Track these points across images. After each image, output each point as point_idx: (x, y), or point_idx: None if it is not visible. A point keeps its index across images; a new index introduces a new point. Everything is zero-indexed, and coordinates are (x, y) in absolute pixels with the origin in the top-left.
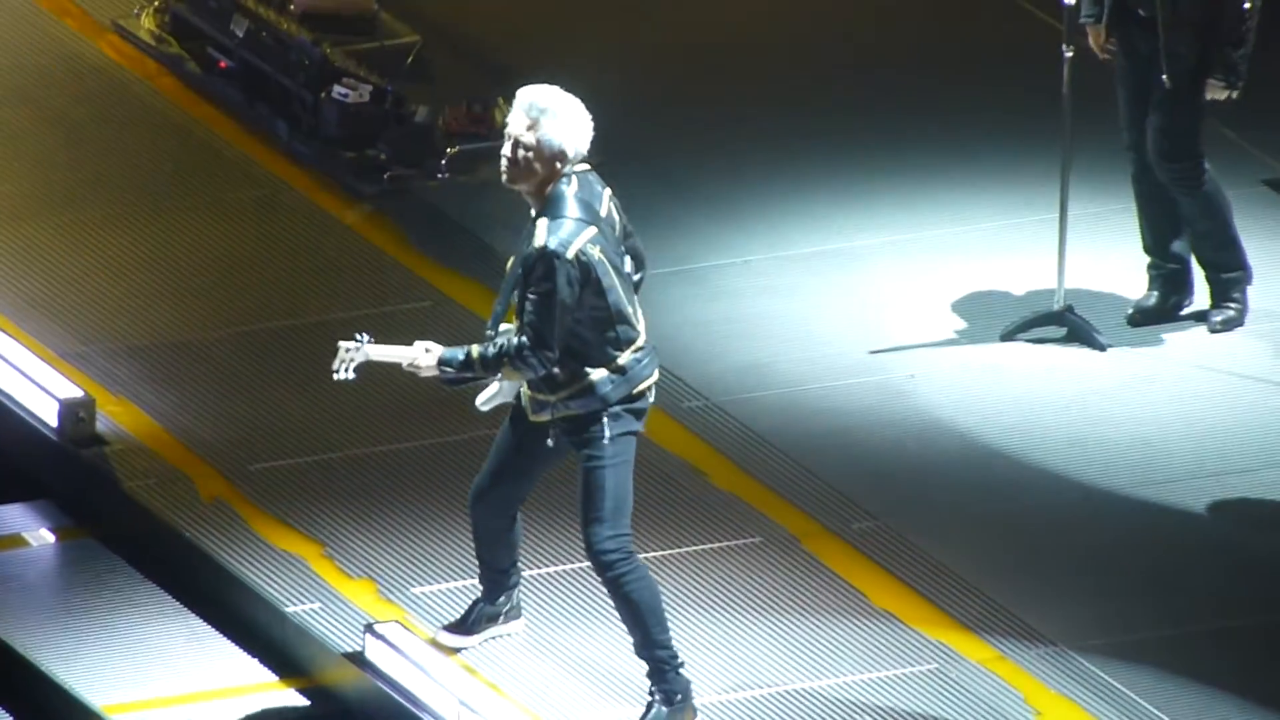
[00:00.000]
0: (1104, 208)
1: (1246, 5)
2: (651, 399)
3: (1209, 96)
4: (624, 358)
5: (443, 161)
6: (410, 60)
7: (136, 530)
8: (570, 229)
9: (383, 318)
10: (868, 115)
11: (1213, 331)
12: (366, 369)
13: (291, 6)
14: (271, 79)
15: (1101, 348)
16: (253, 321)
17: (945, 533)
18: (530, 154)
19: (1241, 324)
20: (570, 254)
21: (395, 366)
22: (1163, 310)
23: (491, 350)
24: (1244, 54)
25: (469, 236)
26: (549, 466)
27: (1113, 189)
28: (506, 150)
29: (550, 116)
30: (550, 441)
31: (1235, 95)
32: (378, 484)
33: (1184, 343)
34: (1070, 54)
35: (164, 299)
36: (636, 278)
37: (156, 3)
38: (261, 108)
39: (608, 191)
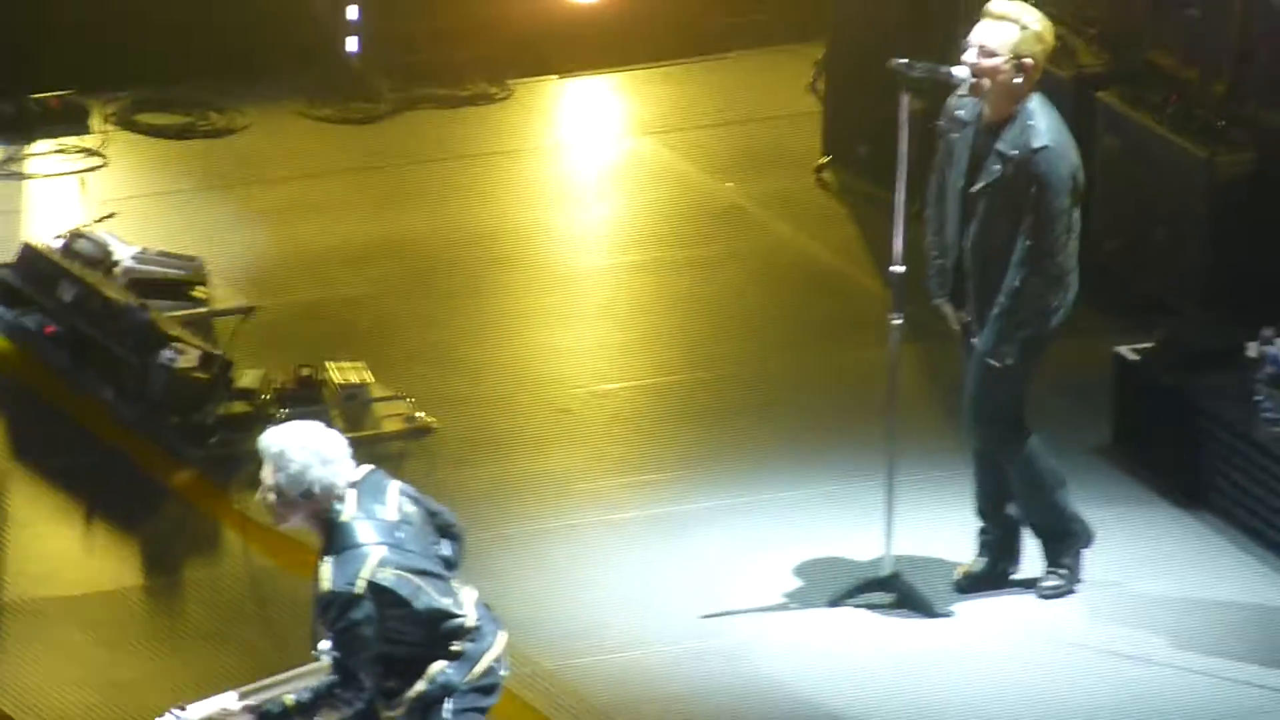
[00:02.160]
0: (930, 475)
1: (1017, 284)
2: (503, 671)
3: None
4: (457, 645)
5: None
6: (240, 324)
7: None
8: (354, 561)
9: (209, 581)
10: (695, 383)
11: (1042, 597)
12: None
13: (117, 272)
14: (99, 344)
15: (931, 613)
16: (86, 584)
17: None
18: (281, 498)
19: (1072, 590)
20: (360, 588)
21: None
22: (991, 576)
23: (307, 696)
24: (1021, 333)
25: None
26: None
27: (939, 457)
28: (261, 497)
29: (287, 460)
30: None
31: (999, 364)
32: None
33: (1013, 609)
34: (898, 321)
35: None
36: (451, 554)
37: None
38: (89, 372)
39: (395, 486)
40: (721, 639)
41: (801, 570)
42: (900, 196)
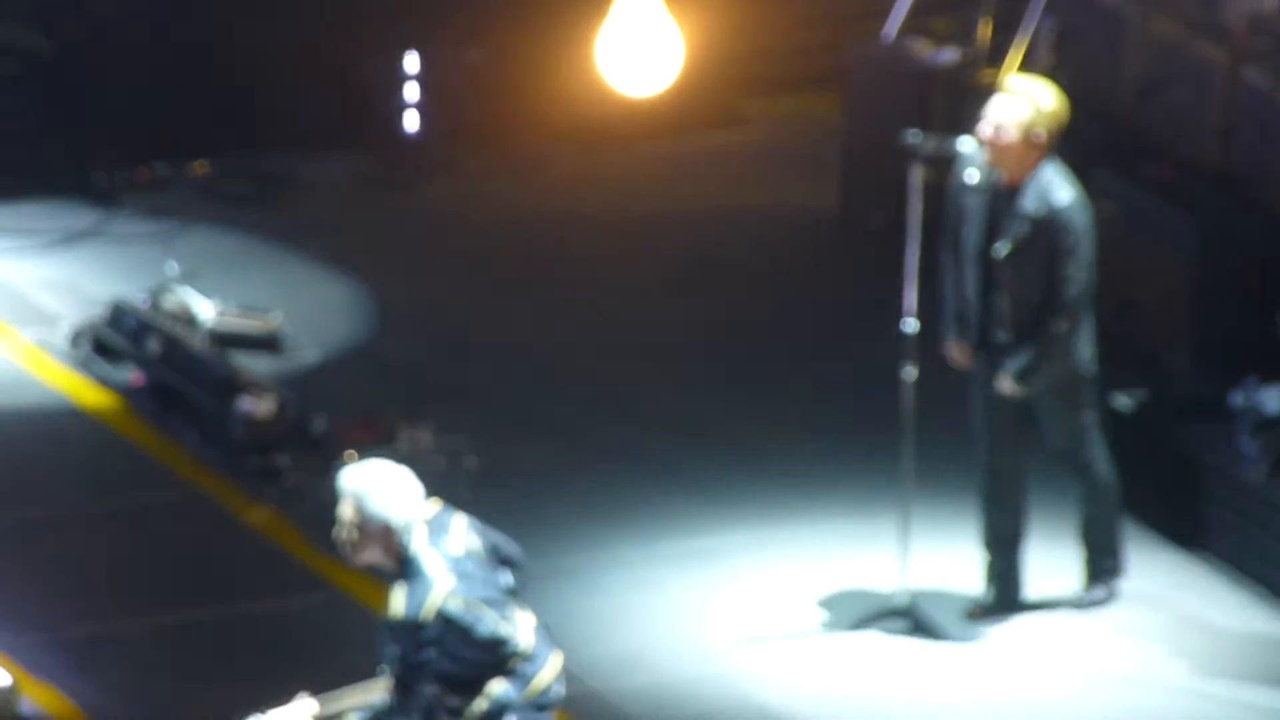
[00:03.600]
0: (942, 510)
1: (1053, 330)
2: (559, 690)
3: (1003, 389)
4: (512, 667)
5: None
6: (312, 372)
7: None
8: (424, 591)
9: (282, 610)
10: (728, 428)
11: (1079, 607)
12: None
13: (199, 325)
14: (183, 392)
15: (943, 639)
16: (169, 613)
17: None
18: (362, 532)
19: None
20: (427, 615)
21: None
22: (999, 604)
23: (367, 715)
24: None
25: None
26: None
27: (950, 494)
28: (337, 533)
29: (368, 496)
30: None
31: (1027, 389)
32: None
33: (1024, 636)
34: (912, 376)
35: (88, 595)
36: (513, 582)
37: (84, 328)
38: (174, 417)
39: (461, 522)
40: (753, 661)
41: (824, 597)
42: (913, 260)
